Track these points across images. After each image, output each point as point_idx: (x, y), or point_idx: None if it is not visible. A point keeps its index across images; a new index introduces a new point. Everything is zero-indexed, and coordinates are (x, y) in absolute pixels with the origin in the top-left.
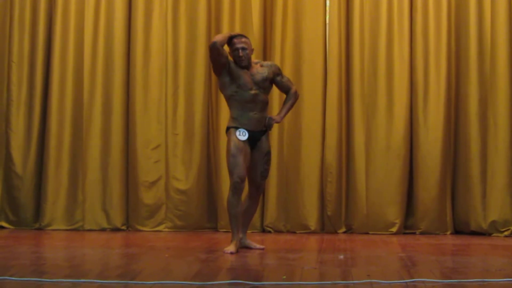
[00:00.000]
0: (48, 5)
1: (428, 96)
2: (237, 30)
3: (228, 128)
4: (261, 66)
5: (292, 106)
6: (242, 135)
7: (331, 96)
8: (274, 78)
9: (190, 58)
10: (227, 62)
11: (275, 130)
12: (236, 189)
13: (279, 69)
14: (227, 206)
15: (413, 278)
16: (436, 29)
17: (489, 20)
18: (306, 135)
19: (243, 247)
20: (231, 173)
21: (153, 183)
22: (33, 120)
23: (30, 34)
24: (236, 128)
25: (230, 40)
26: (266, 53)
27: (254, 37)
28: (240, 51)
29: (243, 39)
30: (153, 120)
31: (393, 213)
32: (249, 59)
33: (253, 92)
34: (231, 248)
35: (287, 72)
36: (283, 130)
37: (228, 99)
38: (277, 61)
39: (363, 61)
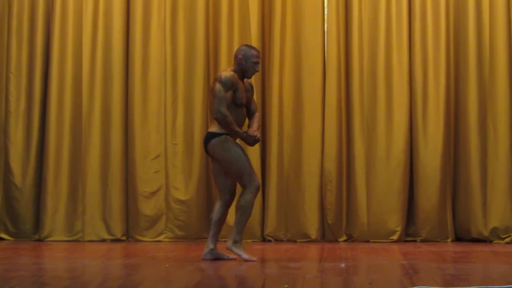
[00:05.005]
0: (45, 15)
1: (428, 104)
2: (236, 39)
3: (219, 134)
4: (247, 81)
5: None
6: None
7: (330, 104)
8: (251, 94)
9: (188, 68)
10: (235, 88)
11: (274, 139)
12: (258, 191)
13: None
14: (248, 208)
15: (415, 286)
16: (435, 37)
17: (487, 27)
18: (305, 143)
19: (216, 259)
20: (250, 176)
21: (153, 193)
22: (32, 131)
23: (28, 45)
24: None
25: (250, 49)
26: (265, 63)
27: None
28: (258, 66)
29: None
30: (152, 130)
31: (394, 221)
32: None
33: (244, 108)
34: (249, 255)
35: (287, 82)
36: (283, 139)
37: None
38: (276, 70)
39: (362, 70)
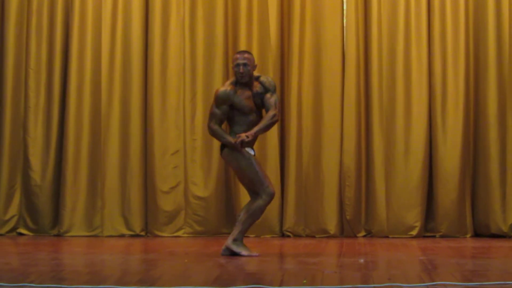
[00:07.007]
0: (65, 11)
1: (447, 99)
2: (255, 35)
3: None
4: (259, 83)
5: (265, 127)
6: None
7: (349, 100)
8: (265, 94)
9: (207, 64)
10: (230, 103)
11: (293, 135)
12: (271, 199)
13: (272, 86)
14: (257, 213)
15: (434, 281)
16: (454, 31)
17: (507, 22)
18: (324, 139)
19: (235, 254)
20: (262, 184)
21: (172, 188)
22: (51, 126)
23: (47, 41)
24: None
25: (234, 55)
26: (284, 59)
27: (272, 42)
28: (242, 67)
29: (246, 55)
30: (171, 126)
31: (413, 217)
32: (250, 75)
33: (255, 114)
34: (252, 251)
35: (306, 77)
36: (302, 135)
37: (230, 120)
38: (295, 66)
39: (381, 65)
